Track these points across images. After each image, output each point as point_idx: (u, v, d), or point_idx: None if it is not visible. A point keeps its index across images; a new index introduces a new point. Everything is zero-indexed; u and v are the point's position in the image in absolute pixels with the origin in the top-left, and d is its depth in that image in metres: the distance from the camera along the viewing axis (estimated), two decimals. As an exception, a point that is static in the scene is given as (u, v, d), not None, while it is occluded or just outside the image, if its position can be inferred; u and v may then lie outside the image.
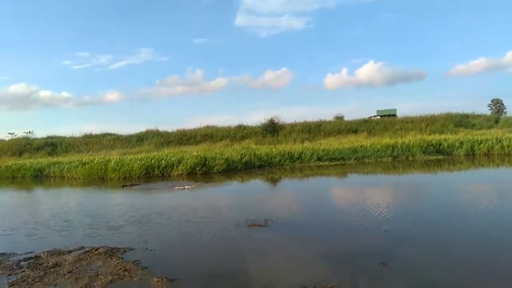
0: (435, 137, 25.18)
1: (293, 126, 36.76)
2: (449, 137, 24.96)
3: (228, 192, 13.02)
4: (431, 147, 22.87)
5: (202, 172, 19.36)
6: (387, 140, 25.28)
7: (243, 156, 21.22)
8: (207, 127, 40.56)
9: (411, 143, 23.15)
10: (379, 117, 42.59)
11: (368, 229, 7.25)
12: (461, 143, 23.28)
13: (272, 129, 35.74)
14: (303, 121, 38.50)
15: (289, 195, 12.72)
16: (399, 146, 22.95)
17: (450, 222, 7.67)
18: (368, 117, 41.64)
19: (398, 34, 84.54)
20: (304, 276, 4.94)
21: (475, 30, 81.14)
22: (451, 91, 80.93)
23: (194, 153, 22.35)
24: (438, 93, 78.81)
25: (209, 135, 37.05)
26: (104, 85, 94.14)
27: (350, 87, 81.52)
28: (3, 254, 6.54)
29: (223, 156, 20.84)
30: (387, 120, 37.34)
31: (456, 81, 79.75)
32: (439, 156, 22.11)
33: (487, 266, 5.13)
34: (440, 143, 23.33)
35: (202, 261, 5.85)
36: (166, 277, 5.03)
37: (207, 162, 19.96)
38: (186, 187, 11.32)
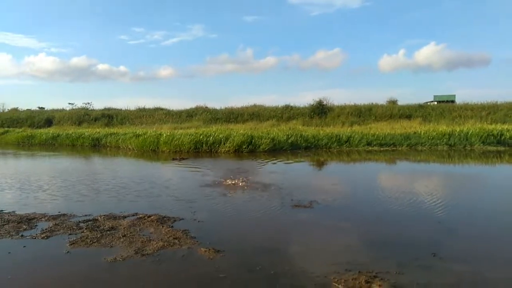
0: (496, 127, 23.34)
1: (342, 108, 35.77)
2: (513, 127, 23.04)
3: (275, 172, 13.05)
4: (492, 137, 21.27)
5: (248, 150, 19.56)
6: (443, 127, 23.88)
7: (290, 136, 21.13)
8: (254, 106, 40.71)
9: (470, 132, 21.69)
10: (436, 102, 40.17)
11: (418, 218, 6.96)
12: (525, 134, 21.41)
13: (320, 110, 35.03)
14: (353, 103, 37.32)
15: (335, 178, 12.50)
16: (456, 134, 21.60)
17: (506, 216, 7.14)
18: (424, 102, 39.38)
19: (462, 17, 78.35)
20: (349, 259, 4.87)
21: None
22: (518, 78, 74.14)
23: (241, 131, 22.58)
24: (502, 80, 72.80)
25: (256, 114, 37.15)
26: (158, 61, 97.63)
27: (407, 70, 77.78)
28: (64, 215, 7.08)
29: (269, 136, 20.89)
30: (445, 107, 35.07)
31: (524, 68, 72.84)
32: (500, 147, 20.53)
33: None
34: (502, 133, 21.61)
35: (247, 236, 5.96)
36: (213, 248, 5.19)
37: (253, 141, 20.12)
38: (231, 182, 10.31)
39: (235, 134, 21.04)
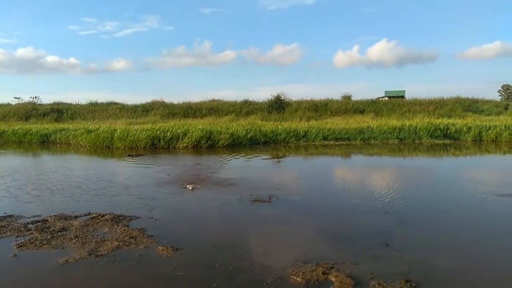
0: (443, 121, 24.97)
1: (299, 103, 36.49)
2: (457, 122, 24.74)
3: (234, 167, 13.06)
4: (439, 131, 22.71)
5: (207, 146, 19.41)
6: (394, 122, 25.11)
7: (249, 131, 21.22)
8: (213, 100, 40.41)
9: (419, 126, 22.99)
10: (387, 98, 42.11)
11: (371, 209, 7.28)
12: (469, 128, 23.07)
13: (278, 105, 35.50)
14: (310, 99, 38.22)
15: (293, 172, 12.75)
16: (406, 128, 22.80)
17: (452, 206, 7.67)
18: (376, 98, 41.17)
19: (413, 13, 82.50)
20: (306, 252, 4.99)
21: (492, 13, 78.96)
22: (462, 74, 79.84)
23: (200, 126, 22.35)
24: (448, 76, 77.91)
25: (215, 109, 36.91)
26: (111, 53, 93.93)
27: (360, 66, 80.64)
28: (11, 216, 6.65)
29: (228, 131, 20.84)
30: (395, 102, 36.92)
31: (468, 65, 78.60)
32: (446, 141, 21.97)
33: (487, 250, 5.15)
34: (448, 128, 23.14)
35: (206, 232, 5.93)
36: (171, 246, 5.11)
37: (212, 136, 19.98)
38: (188, 187, 9.33)
39: (193, 129, 20.77)
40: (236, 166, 13.28)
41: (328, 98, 38.26)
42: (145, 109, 38.56)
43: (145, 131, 20.85)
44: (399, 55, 79.94)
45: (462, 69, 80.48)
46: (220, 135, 20.10)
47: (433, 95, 38.61)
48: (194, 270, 4.44)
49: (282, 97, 36.48)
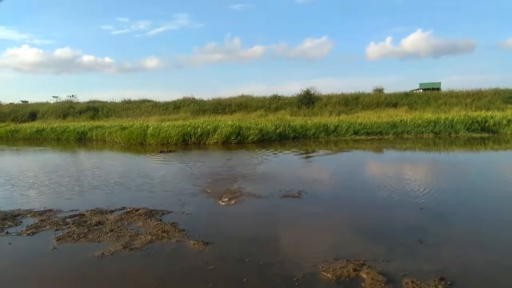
0: (480, 114, 23.74)
1: (329, 97, 35.87)
2: (496, 114, 23.44)
3: (263, 162, 13.06)
4: (476, 124, 21.63)
5: (237, 141, 19.52)
6: (429, 115, 24.18)
7: (278, 127, 21.14)
8: (242, 96, 40.50)
9: (455, 120, 22.01)
10: (421, 90, 40.58)
11: (404, 205, 7.07)
12: (509, 121, 21.79)
13: (308, 100, 35.07)
14: (340, 93, 37.40)
15: (323, 168, 12.59)
16: (442, 122, 21.90)
17: (489, 202, 7.32)
18: (410, 91, 39.75)
19: (448, 2, 78.96)
20: (337, 248, 4.92)
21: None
22: (502, 64, 75.37)
23: (229, 122, 22.50)
24: (487, 67, 73.91)
25: (244, 104, 37.00)
26: (144, 52, 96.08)
27: (393, 58, 78.17)
28: (50, 210, 6.98)
29: (257, 127, 20.86)
30: (430, 94, 35.49)
31: (507, 54, 73.99)
32: (484, 134, 20.93)
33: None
34: (486, 120, 22.00)
35: (236, 227, 5.98)
36: (202, 240, 5.19)
37: (241, 132, 20.07)
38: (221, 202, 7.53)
39: (223, 125, 20.94)
40: (265, 161, 13.26)
41: (359, 92, 37.36)
42: (176, 106, 39.26)
43: (176, 127, 21.25)
44: (435, 45, 76.54)
45: (501, 59, 75.93)
46: (249, 130, 20.15)
47: (471, 86, 36.84)
48: (225, 264, 4.49)
49: (312, 92, 36.02)
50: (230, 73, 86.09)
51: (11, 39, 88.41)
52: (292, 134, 20.94)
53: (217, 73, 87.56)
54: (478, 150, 15.99)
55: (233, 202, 7.51)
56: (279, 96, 38.23)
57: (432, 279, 3.94)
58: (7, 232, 5.76)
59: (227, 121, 23.22)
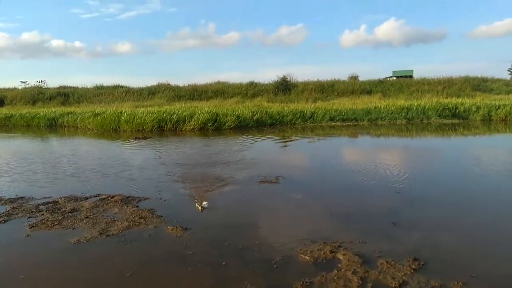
0: (451, 101, 24.61)
1: (306, 84, 36.11)
2: (466, 101, 24.36)
3: (241, 149, 13.05)
4: (447, 111, 22.42)
5: (214, 128, 19.40)
6: (402, 102, 24.81)
7: (255, 113, 21.12)
8: (218, 83, 40.13)
9: (427, 106, 22.68)
10: (395, 78, 41.45)
11: (379, 189, 7.28)
12: (478, 108, 22.72)
13: (284, 87, 35.17)
14: (316, 80, 37.77)
15: (300, 153, 12.73)
16: (414, 108, 22.52)
17: (461, 186, 7.65)
18: (384, 78, 40.55)
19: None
20: (314, 231, 5.02)
21: (504, -11, 76.48)
22: (471, 53, 78.08)
23: (206, 108, 22.28)
24: (457, 55, 76.34)
25: (221, 91, 36.70)
26: (116, 36, 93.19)
27: (367, 46, 79.23)
28: (22, 197, 6.76)
29: (234, 113, 20.77)
30: (403, 82, 36.37)
31: (477, 43, 76.71)
32: (455, 120, 21.72)
33: (494, 228, 5.15)
34: (457, 107, 22.83)
35: (214, 213, 5.97)
36: (180, 226, 5.17)
37: (218, 118, 19.94)
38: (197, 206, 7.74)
39: (199, 112, 20.72)
40: (243, 148, 13.26)
41: (334, 79, 37.82)
42: (151, 92, 38.46)
43: (152, 114, 20.85)
44: (407, 34, 78.39)
45: (471, 48, 78.83)
46: (227, 117, 20.05)
47: (442, 74, 37.95)
48: (204, 249, 4.50)
49: (288, 79, 36.14)
50: (206, 60, 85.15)
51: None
52: (269, 121, 21.00)
53: (192, 59, 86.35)
54: (449, 136, 16.58)
55: (211, 188, 7.49)
56: (256, 83, 38.14)
57: (406, 260, 4.09)
58: (-25, 221, 5.53)
59: (203, 108, 22.99)
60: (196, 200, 6.02)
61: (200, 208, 5.90)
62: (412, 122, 21.38)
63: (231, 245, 4.59)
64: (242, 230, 5.16)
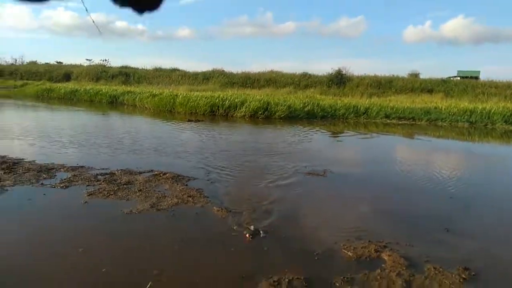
0: (522, 106, 22.52)
1: (361, 79, 34.88)
2: (539, 108, 22.16)
3: (291, 140, 12.99)
4: (516, 117, 20.56)
5: (264, 117, 19.44)
6: (465, 104, 23.13)
7: (306, 105, 20.84)
8: (272, 72, 40.04)
9: (492, 110, 20.94)
10: (459, 78, 38.76)
11: (432, 192, 6.90)
12: (553, 116, 20.59)
13: (339, 80, 34.25)
14: (373, 74, 36.31)
15: (350, 149, 12.39)
16: (478, 112, 20.90)
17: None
18: (447, 77, 38.06)
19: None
20: (360, 228, 4.89)
21: None
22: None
23: (257, 96, 22.37)
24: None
25: (273, 80, 36.61)
26: (176, 21, 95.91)
27: (431, 42, 74.65)
28: (82, 167, 7.25)
29: (285, 103, 20.64)
30: (468, 82, 33.84)
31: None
32: (524, 128, 19.91)
33: None
34: (527, 113, 20.86)
35: (259, 199, 6.01)
36: (226, 208, 5.27)
37: (269, 107, 19.94)
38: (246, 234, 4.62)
39: (251, 99, 20.86)
40: (292, 138, 13.18)
41: (393, 75, 36.10)
42: (206, 77, 39.35)
43: (205, 98, 21.34)
44: (476, 32, 72.74)
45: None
46: (277, 106, 19.99)
47: (513, 77, 34.77)
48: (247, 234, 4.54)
49: (343, 72, 35.10)
50: (261, 48, 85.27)
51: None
52: (320, 113, 20.60)
53: (248, 47, 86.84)
54: (515, 144, 15.27)
55: (258, 175, 7.54)
56: (309, 74, 37.52)
57: (456, 268, 3.86)
58: (42, 184, 6.04)
59: (255, 96, 23.09)
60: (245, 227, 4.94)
61: (248, 236, 4.47)
62: (475, 126, 19.91)
63: (274, 232, 4.60)
64: (285, 219, 5.15)
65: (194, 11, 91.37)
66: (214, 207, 5.30)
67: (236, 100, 20.74)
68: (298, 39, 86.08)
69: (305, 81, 35.86)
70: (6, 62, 56.48)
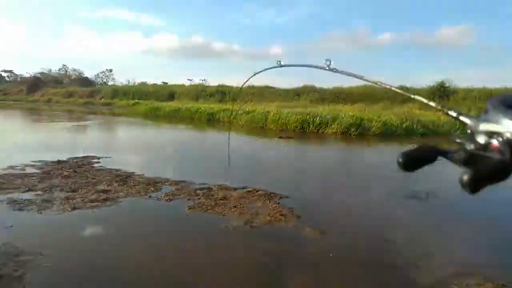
0: None
1: (468, 91, 31.63)
2: None
3: (387, 158, 12.31)
4: None
5: (357, 134, 18.79)
6: None
7: (404, 121, 19.59)
8: (365, 86, 38.60)
9: None
10: None
11: None
12: None
13: (441, 93, 31.54)
14: (482, 86, 32.65)
15: (456, 169, 11.21)
16: None
17: None
18: None
19: None
20: (474, 262, 4.34)
21: None
22: None
23: (350, 112, 21.78)
24: None
25: (367, 94, 35.30)
26: (268, 39, 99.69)
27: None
28: (184, 181, 7.79)
29: (380, 119, 19.69)
30: None
31: None
32: None
33: None
34: None
35: (355, 221, 5.76)
36: (319, 228, 5.16)
37: (362, 123, 19.23)
38: None
39: (343, 115, 20.40)
40: (390, 157, 12.45)
41: (506, 87, 32.01)
42: (296, 93, 39.80)
43: (296, 115, 21.53)
44: None
45: None
46: (372, 122, 19.18)
47: None
48: (342, 256, 4.38)
49: (447, 84, 32.24)
50: (354, 61, 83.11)
51: (155, 25, 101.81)
52: (420, 130, 19.16)
53: (340, 61, 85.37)
54: None
55: (353, 195, 7.27)
56: (407, 87, 35.28)
57: None
58: (149, 196, 6.66)
59: (347, 111, 22.52)
60: None
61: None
62: None
63: (370, 258, 4.35)
64: (382, 244, 4.83)
65: (286, 29, 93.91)
66: (307, 227, 5.22)
67: (328, 116, 20.48)
68: (395, 50, 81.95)
69: (402, 95, 33.83)
70: (121, 83, 65.33)
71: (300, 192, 7.24)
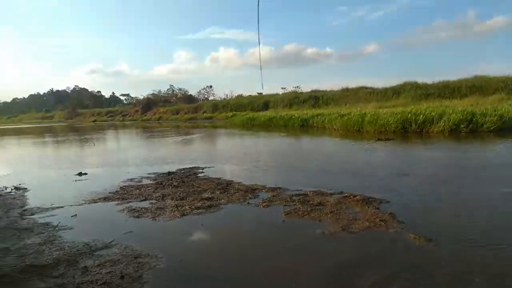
0: None
1: None
2: None
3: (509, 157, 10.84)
4: None
5: (468, 130, 16.90)
6: None
7: (527, 112, 17.00)
8: (475, 77, 34.54)
9: None
10: None
11: None
12: None
13: None
14: None
15: None
16: None
17: None
18: None
19: None
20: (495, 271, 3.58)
21: None
22: None
23: (459, 108, 19.72)
24: None
25: (478, 86, 31.55)
26: (363, 38, 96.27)
27: None
28: (279, 188, 7.96)
29: (496, 113, 17.39)
30: None
31: None
32: None
33: None
34: None
35: (464, 228, 5.20)
36: (424, 235, 4.81)
37: (474, 119, 17.22)
38: None
39: (450, 111, 18.55)
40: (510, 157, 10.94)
41: None
42: (395, 92, 37.50)
43: (395, 114, 20.30)
44: None
45: None
46: (485, 117, 17.04)
47: None
48: (452, 265, 4.01)
49: None
50: (460, 52, 74.93)
51: (249, 40, 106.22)
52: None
53: (444, 53, 77.82)
54: None
55: (461, 199, 6.60)
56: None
57: None
58: (248, 203, 6.98)
59: (456, 107, 20.44)
60: None
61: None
62: None
63: (484, 272, 3.89)
64: (500, 256, 4.28)
65: (381, 25, 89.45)
66: (411, 234, 4.91)
67: (432, 113, 18.89)
68: (510, 35, 71.42)
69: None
70: (220, 97, 70.10)
71: (402, 197, 6.82)
